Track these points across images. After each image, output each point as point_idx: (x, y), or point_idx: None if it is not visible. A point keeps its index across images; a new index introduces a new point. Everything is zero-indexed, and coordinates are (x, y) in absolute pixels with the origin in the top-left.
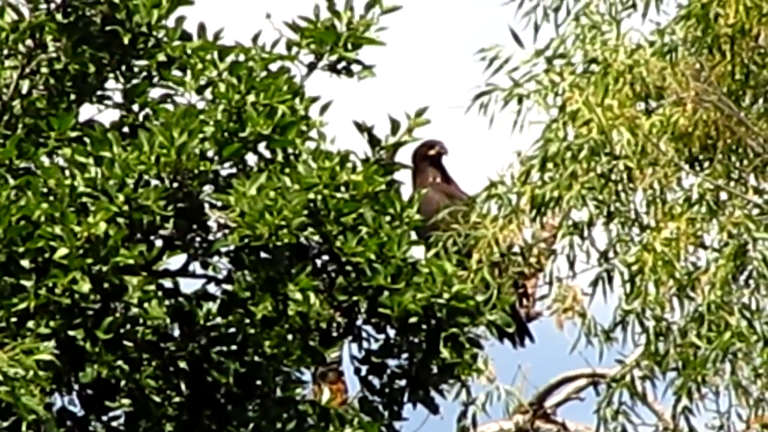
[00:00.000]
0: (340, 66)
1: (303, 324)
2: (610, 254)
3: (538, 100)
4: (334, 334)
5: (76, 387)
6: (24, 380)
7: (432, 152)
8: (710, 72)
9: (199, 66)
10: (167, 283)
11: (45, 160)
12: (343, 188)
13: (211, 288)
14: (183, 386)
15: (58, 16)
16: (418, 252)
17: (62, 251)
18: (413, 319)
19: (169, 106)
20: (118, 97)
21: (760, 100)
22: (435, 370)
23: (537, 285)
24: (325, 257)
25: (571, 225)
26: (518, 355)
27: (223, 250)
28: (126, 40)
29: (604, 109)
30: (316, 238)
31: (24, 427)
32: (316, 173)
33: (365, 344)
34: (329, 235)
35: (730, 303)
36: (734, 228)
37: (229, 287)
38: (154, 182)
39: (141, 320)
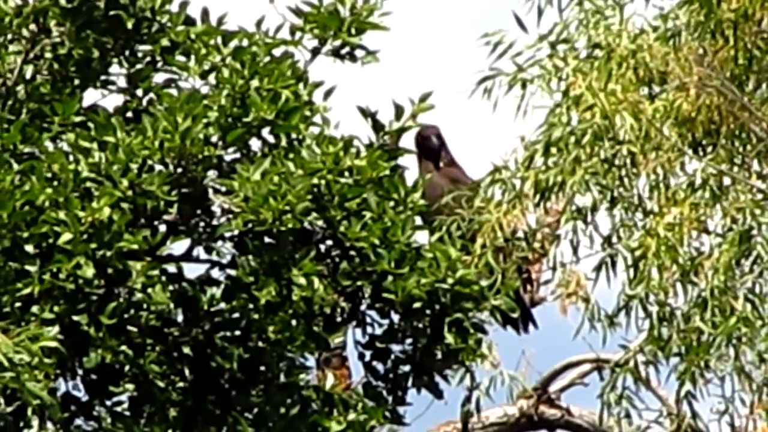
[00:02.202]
0: (343, 51)
1: (307, 309)
2: (614, 239)
3: (541, 84)
4: (338, 319)
5: (80, 372)
6: (28, 366)
7: (426, 143)
8: (713, 57)
9: (203, 51)
10: (171, 268)
11: (49, 145)
12: (347, 173)
13: (215, 273)
14: (187, 371)
15: (62, 1)
16: (422, 237)
17: (66, 236)
18: (417, 304)
19: (173, 91)
20: (122, 82)
21: (764, 85)
22: (439, 355)
23: (541, 270)
24: (329, 242)
25: (574, 210)
26: (522, 340)
27: (227, 235)
28: (130, 25)
29: (607, 94)
30: (320, 223)
31: (29, 413)
32: (320, 158)
33: (369, 329)
34: (333, 220)
35: (734, 288)
36: (738, 213)
37: (232, 272)
38: (158, 167)
39: (145, 305)
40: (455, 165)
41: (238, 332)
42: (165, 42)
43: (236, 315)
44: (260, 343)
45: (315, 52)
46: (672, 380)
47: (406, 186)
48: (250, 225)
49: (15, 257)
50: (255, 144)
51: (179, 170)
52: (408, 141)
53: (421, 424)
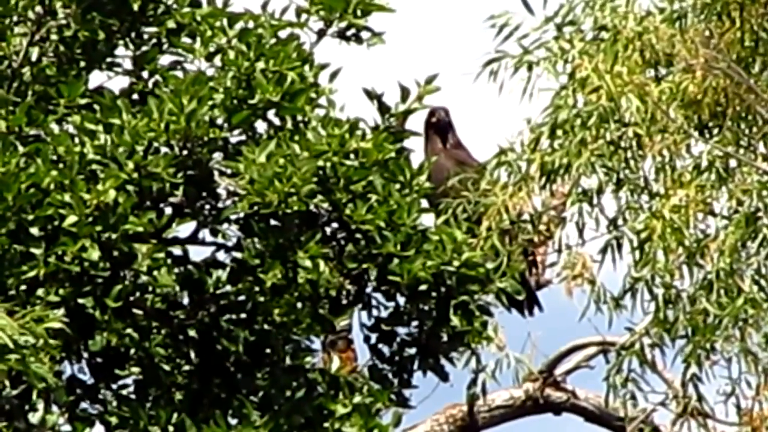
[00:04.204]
0: (349, 33)
1: (312, 292)
2: (620, 221)
3: (547, 67)
4: (344, 301)
5: (85, 355)
6: (34, 348)
7: (433, 119)
8: (720, 39)
9: (209, 33)
10: (176, 251)
11: (54, 128)
12: (352, 156)
13: (221, 255)
14: (192, 354)
15: None
16: (427, 219)
17: (71, 219)
18: (423, 287)
19: (179, 73)
20: (127, 64)
21: None
22: (445, 337)
23: (546, 253)
24: (335, 225)
25: (580, 192)
26: (528, 323)
27: (233, 217)
28: (135, 7)
29: (613, 76)
30: (326, 205)
31: (34, 395)
32: (326, 140)
33: (375, 312)
34: (339, 203)
35: (740, 270)
36: (744, 195)
37: (238, 255)
38: (163, 149)
39: (150, 288)
40: (461, 147)
41: (243, 315)
42: (171, 24)
43: (242, 298)
44: (266, 326)
45: (321, 33)
46: (678, 363)
47: (411, 168)
48: (255, 207)
49: (20, 240)
50: (260, 126)
51: (185, 152)
52: (414, 123)
53: (426, 407)
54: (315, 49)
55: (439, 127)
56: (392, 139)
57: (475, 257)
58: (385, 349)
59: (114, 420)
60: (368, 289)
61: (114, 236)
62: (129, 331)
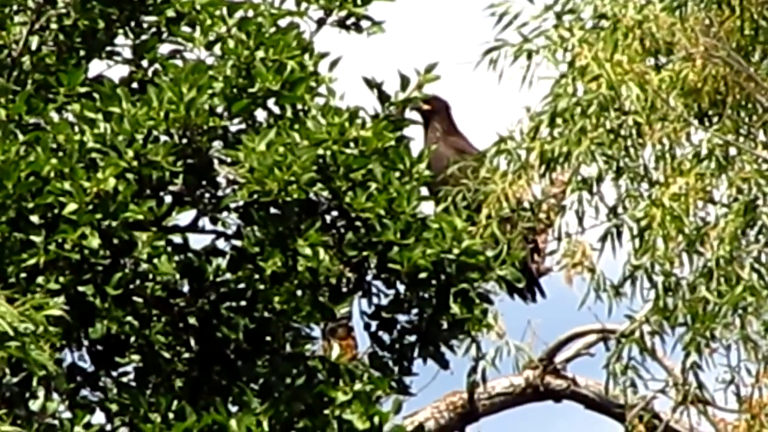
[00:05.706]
0: (349, 22)
1: (312, 279)
2: (619, 209)
3: (547, 55)
4: (344, 289)
5: (85, 343)
6: (34, 335)
7: (432, 107)
8: (719, 27)
9: (208, 22)
10: (177, 239)
11: (54, 116)
12: (352, 144)
13: (221, 243)
14: (192, 342)
15: None
16: (427, 207)
17: (71, 207)
18: (423, 275)
19: (179, 62)
20: (127, 53)
21: None
22: (445, 325)
23: (547, 240)
24: (335, 213)
25: (580, 180)
26: (528, 310)
27: (233, 205)
28: None
29: (613, 64)
30: (326, 193)
31: (34, 383)
32: (326, 129)
33: (375, 300)
34: (338, 191)
35: (740, 258)
36: (743, 183)
37: (238, 243)
38: (163, 138)
39: (150, 276)
40: (461, 135)
41: (243, 303)
42: (170, 13)
43: (242, 285)
44: (266, 314)
45: (320, 22)
46: (678, 350)
47: (411, 157)
48: (255, 195)
49: (20, 228)
50: (260, 115)
51: (184, 141)
52: (413, 112)
53: (427, 395)
54: (315, 37)
55: (430, 115)
56: (392, 128)
57: (475, 245)
58: (386, 337)
59: (114, 407)
60: (368, 277)
61: (114, 224)
62: (129, 318)
